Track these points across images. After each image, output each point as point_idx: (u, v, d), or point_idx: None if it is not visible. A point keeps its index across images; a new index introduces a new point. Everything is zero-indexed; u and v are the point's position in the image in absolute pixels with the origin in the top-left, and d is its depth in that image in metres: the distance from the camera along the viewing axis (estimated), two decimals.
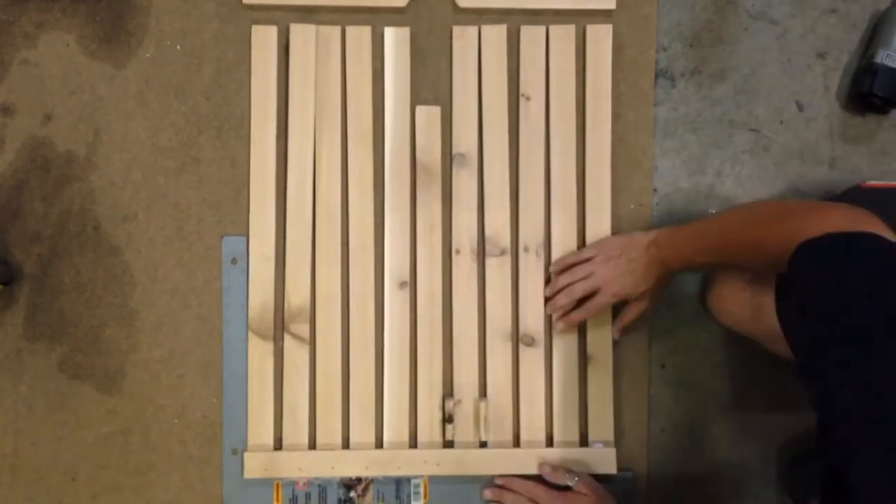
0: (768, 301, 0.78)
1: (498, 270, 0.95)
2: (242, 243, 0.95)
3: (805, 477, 0.93)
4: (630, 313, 0.91)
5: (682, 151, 0.98)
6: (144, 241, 0.95)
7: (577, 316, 0.91)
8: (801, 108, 0.98)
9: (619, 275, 0.87)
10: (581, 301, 0.91)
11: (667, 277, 0.87)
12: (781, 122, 0.98)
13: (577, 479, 0.88)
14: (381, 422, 0.94)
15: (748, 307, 0.82)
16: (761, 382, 0.97)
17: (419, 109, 0.96)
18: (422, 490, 0.95)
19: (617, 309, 0.93)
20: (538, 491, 0.89)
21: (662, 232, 0.87)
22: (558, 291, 0.91)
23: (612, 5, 0.95)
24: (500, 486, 0.92)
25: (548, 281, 0.95)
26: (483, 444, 0.94)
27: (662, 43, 0.98)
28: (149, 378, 0.95)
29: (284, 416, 0.94)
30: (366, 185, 0.95)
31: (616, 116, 0.96)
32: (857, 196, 0.83)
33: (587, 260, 0.90)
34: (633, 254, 0.87)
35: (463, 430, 0.94)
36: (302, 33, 0.95)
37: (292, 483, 0.94)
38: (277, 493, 0.94)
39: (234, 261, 0.95)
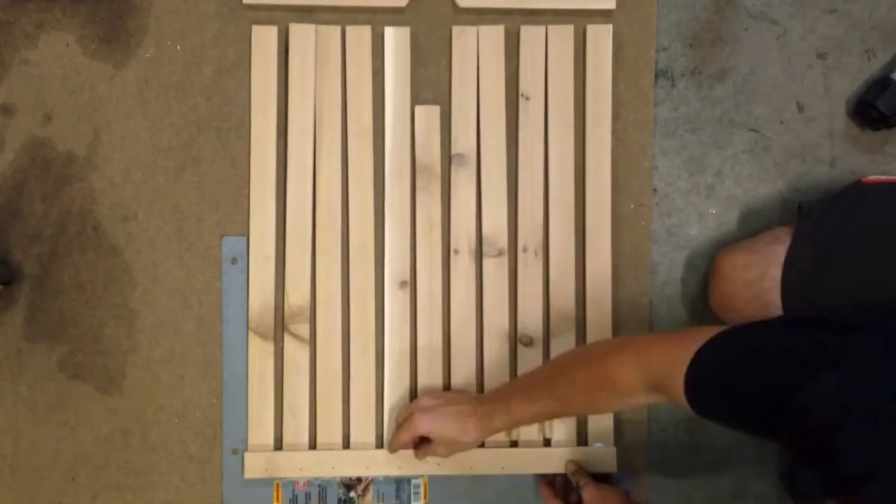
0: (774, 298, 0.78)
1: (496, 270, 0.95)
2: (242, 243, 0.95)
3: (807, 477, 0.93)
4: (422, 451, 0.89)
5: (682, 151, 0.98)
6: (144, 241, 0.95)
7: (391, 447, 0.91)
8: (801, 108, 0.98)
9: (434, 417, 0.86)
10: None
11: (483, 436, 0.86)
12: (781, 122, 0.98)
13: (582, 483, 0.88)
14: (382, 422, 0.94)
15: (754, 306, 0.82)
16: None
17: (419, 109, 0.96)
18: (422, 490, 0.95)
19: None
20: None
21: (490, 392, 0.88)
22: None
23: (612, 5, 0.95)
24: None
25: (546, 285, 0.95)
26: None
27: (662, 43, 0.98)
28: (149, 378, 0.95)
29: (284, 416, 0.94)
30: (366, 184, 0.95)
31: (616, 116, 0.96)
32: (858, 192, 0.83)
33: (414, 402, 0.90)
34: (455, 400, 0.87)
35: None
36: (302, 33, 0.95)
37: (292, 483, 0.94)
38: (277, 493, 0.94)
39: (234, 261, 0.95)
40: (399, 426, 0.89)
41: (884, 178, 0.85)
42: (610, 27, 0.95)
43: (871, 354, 0.53)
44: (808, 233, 0.81)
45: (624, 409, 0.87)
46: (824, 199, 0.85)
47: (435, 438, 0.87)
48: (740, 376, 0.60)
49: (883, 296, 0.74)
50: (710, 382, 0.62)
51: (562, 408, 0.80)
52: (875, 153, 0.98)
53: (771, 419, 0.56)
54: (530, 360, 0.94)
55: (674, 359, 0.64)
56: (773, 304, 0.78)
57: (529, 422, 0.86)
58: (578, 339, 0.95)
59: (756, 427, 0.59)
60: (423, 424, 0.86)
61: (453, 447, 0.87)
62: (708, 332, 0.64)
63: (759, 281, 0.81)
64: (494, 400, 0.84)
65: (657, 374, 0.67)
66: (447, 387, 0.94)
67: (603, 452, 0.93)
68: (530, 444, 0.94)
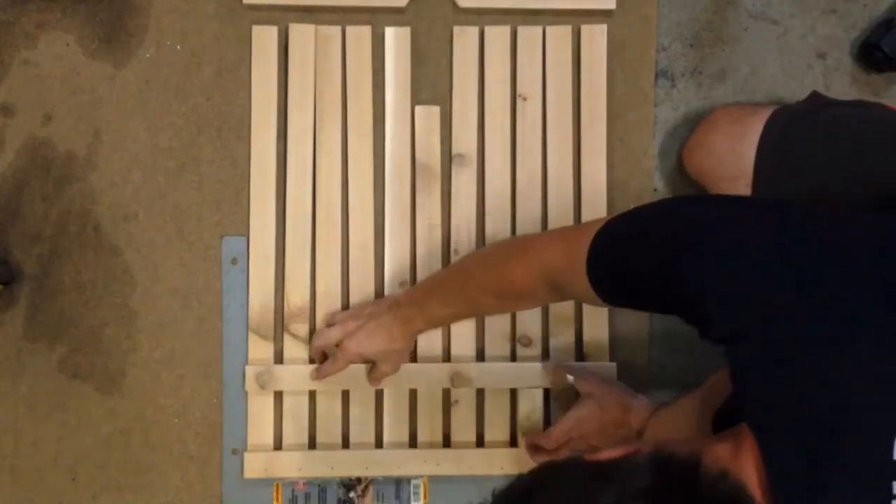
0: (754, 133, 0.83)
1: None
2: (242, 243, 0.95)
3: None
4: (373, 376, 0.90)
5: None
6: (144, 241, 0.95)
7: (320, 373, 0.90)
8: None
9: (362, 337, 0.86)
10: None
11: (412, 339, 0.88)
12: None
13: (573, 378, 0.88)
14: (381, 422, 0.94)
15: (733, 137, 0.85)
16: None
17: (419, 109, 0.96)
18: (422, 490, 0.95)
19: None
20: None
21: (404, 292, 0.89)
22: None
23: (611, 5, 0.95)
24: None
25: None
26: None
27: (662, 43, 0.98)
28: (149, 378, 0.95)
29: (284, 416, 0.94)
30: (366, 184, 0.95)
31: (616, 116, 0.96)
32: (878, 108, 0.84)
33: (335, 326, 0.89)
34: (375, 314, 0.87)
35: (462, 429, 0.94)
36: (302, 33, 0.95)
37: (292, 483, 0.94)
38: (277, 493, 0.94)
39: (234, 261, 0.95)
40: (327, 356, 0.89)
41: None
42: (605, 27, 0.95)
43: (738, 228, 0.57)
44: (795, 111, 0.85)
45: (532, 307, 0.90)
46: (846, 101, 0.87)
47: (371, 358, 0.88)
48: (630, 261, 0.62)
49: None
50: (608, 271, 0.64)
51: (473, 310, 0.82)
52: None
53: (663, 299, 0.60)
54: (530, 360, 0.94)
55: (573, 255, 0.65)
56: (750, 134, 0.83)
57: (448, 322, 0.90)
58: (577, 338, 0.95)
59: (657, 307, 0.63)
60: (354, 348, 0.86)
61: (391, 358, 0.88)
62: (597, 224, 0.65)
63: (749, 118, 0.85)
64: (410, 304, 0.85)
65: (558, 274, 0.68)
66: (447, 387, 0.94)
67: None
68: None
